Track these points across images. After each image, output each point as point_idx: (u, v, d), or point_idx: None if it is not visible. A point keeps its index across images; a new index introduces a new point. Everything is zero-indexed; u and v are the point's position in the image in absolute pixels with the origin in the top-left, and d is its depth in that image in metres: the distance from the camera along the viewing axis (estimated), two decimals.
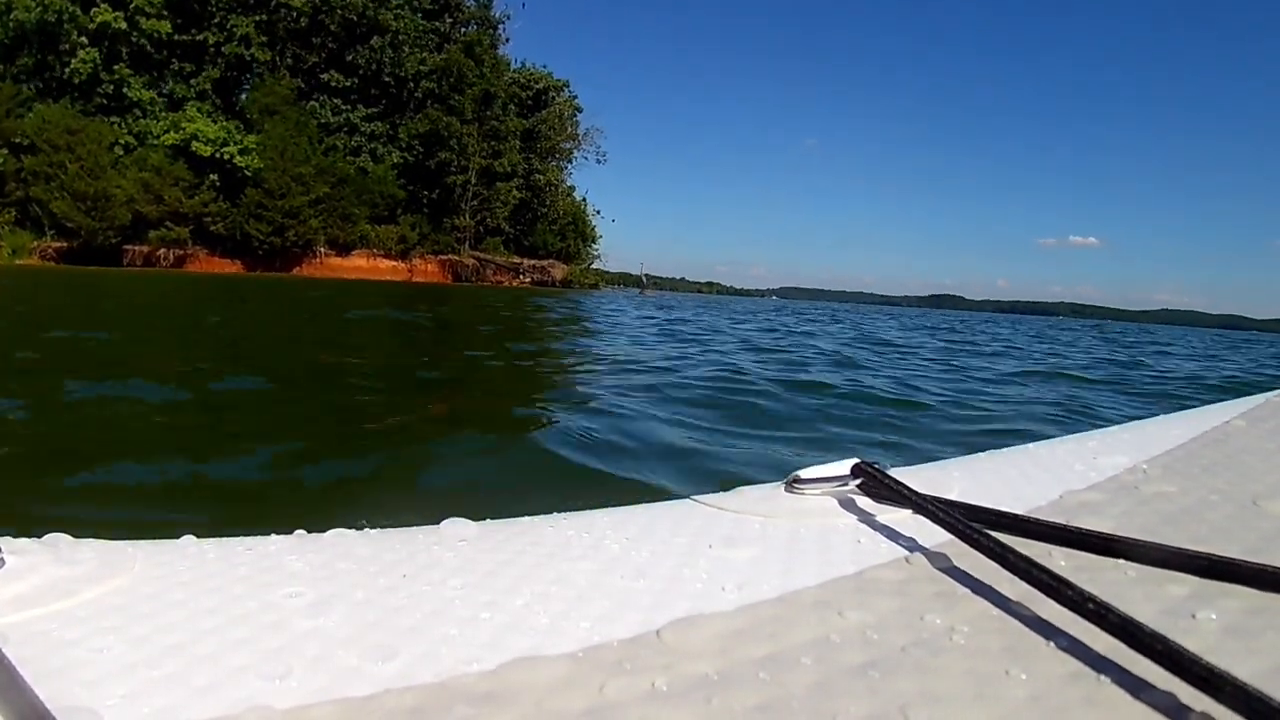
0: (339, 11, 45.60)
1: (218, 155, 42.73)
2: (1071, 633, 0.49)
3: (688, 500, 0.78)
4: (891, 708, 0.42)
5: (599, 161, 60.44)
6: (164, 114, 44.04)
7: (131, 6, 42.49)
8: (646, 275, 79.65)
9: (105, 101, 43.47)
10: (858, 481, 0.75)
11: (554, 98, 55.83)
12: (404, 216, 48.35)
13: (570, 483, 2.94)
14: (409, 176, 48.34)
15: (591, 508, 0.76)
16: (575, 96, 58.03)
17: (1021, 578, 0.53)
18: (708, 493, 0.79)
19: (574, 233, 56.70)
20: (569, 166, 57.81)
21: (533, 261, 52.75)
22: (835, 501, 0.74)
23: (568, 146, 56.35)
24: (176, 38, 43.86)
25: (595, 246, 63.10)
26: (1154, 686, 0.42)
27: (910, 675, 0.45)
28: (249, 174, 42.91)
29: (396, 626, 0.50)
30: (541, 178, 53.60)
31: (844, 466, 0.76)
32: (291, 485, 2.93)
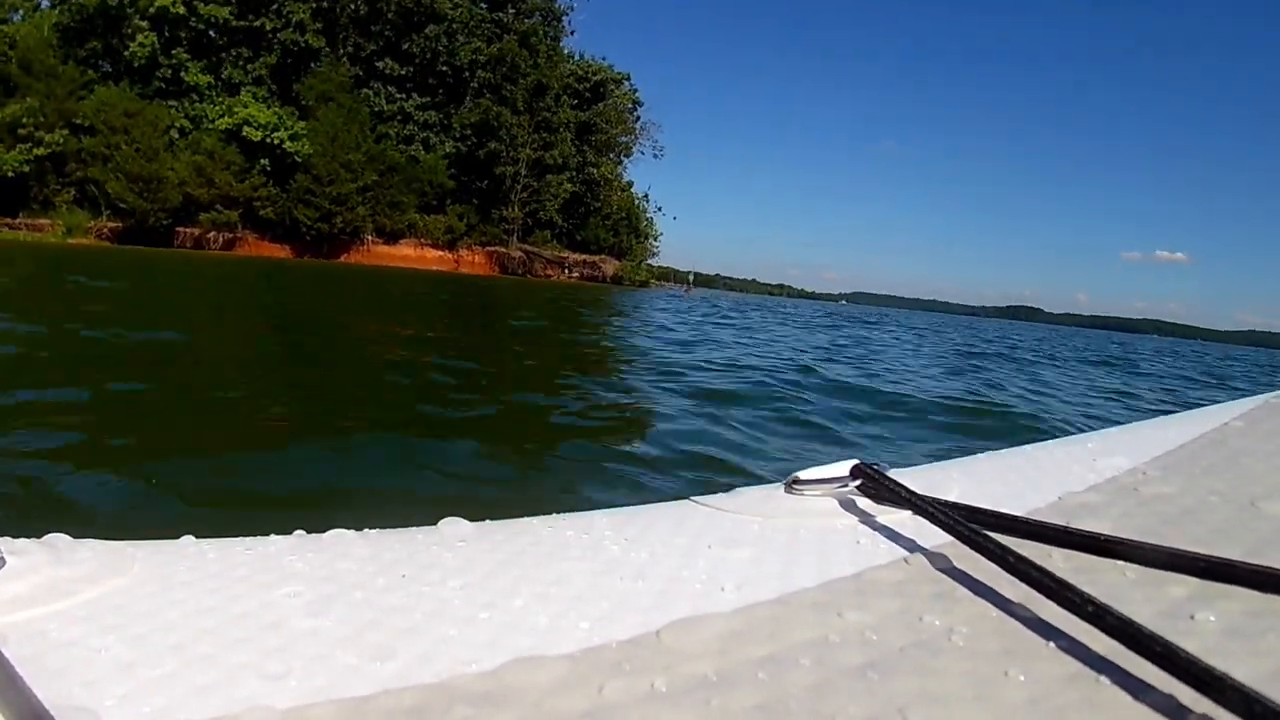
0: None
1: (268, 140, 43.01)
2: (1070, 634, 0.48)
3: (687, 501, 0.78)
4: (890, 708, 0.42)
5: (656, 156, 59.50)
6: (220, 99, 44.49)
7: None
8: (695, 274, 78.20)
9: (164, 85, 44.14)
10: (857, 483, 0.75)
11: (612, 90, 54.95)
12: (452, 207, 48.02)
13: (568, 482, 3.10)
14: (459, 167, 47.97)
15: (591, 508, 0.76)
16: (636, 90, 57.19)
17: (1020, 579, 0.53)
18: (707, 493, 0.80)
19: (627, 228, 55.66)
20: (626, 161, 57.02)
21: (582, 256, 51.94)
22: (834, 502, 0.74)
23: (625, 140, 55.50)
24: (235, 23, 44.28)
25: (656, 243, 62.33)
26: (1153, 688, 0.42)
27: (909, 676, 0.45)
28: (299, 159, 43.06)
29: (395, 627, 0.51)
30: (596, 171, 52.71)
31: (843, 467, 0.76)
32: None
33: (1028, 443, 1.03)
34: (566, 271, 50.60)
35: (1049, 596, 0.50)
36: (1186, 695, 0.41)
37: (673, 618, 0.53)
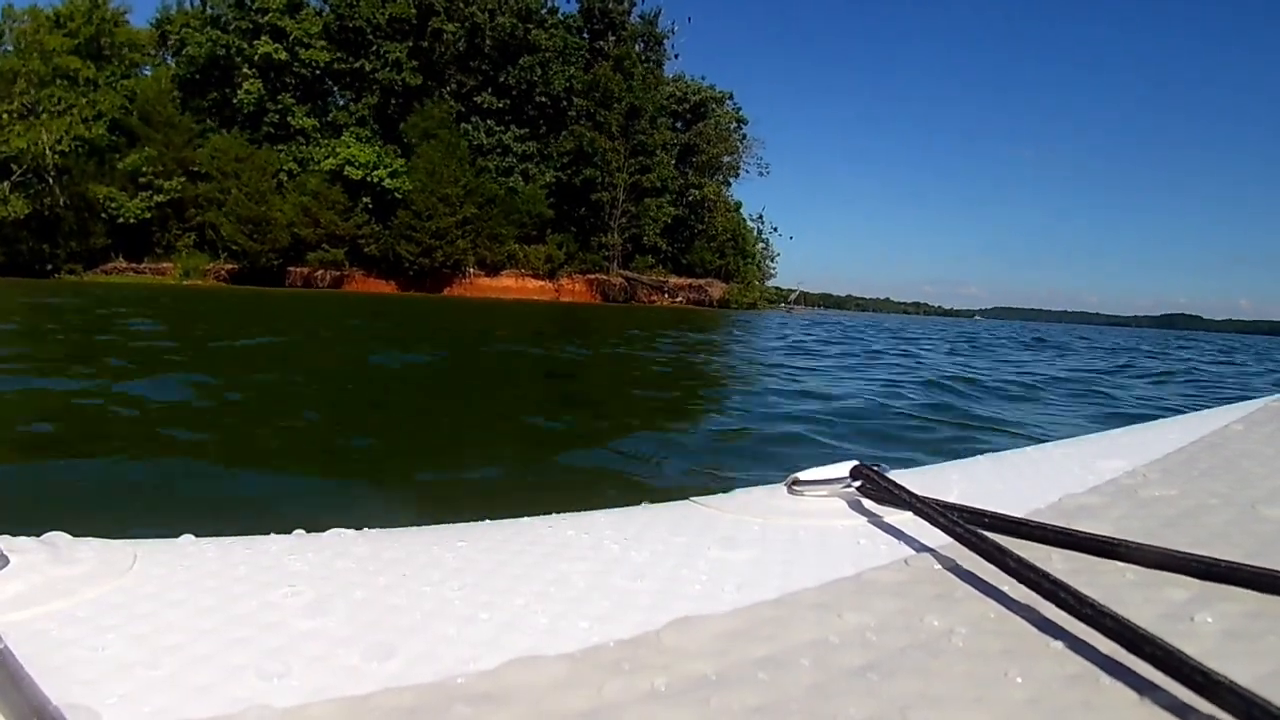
0: (489, 34, 45.58)
1: (369, 179, 43.77)
2: (1070, 635, 0.49)
3: (687, 501, 0.78)
4: (890, 709, 0.42)
5: (761, 174, 57.81)
6: (325, 140, 45.63)
7: (291, 38, 44.38)
8: (803, 292, 75.90)
9: (272, 130, 45.82)
10: (857, 484, 0.75)
11: (714, 110, 53.54)
12: (552, 236, 47.57)
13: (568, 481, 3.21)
14: (559, 195, 47.53)
15: (591, 508, 0.76)
16: (739, 108, 55.61)
17: (1020, 580, 0.53)
18: (707, 494, 0.80)
19: (734, 250, 53.90)
20: (733, 181, 55.41)
21: (687, 280, 50.48)
22: (834, 503, 0.75)
23: (729, 160, 53.89)
24: (336, 66, 45.42)
25: (773, 264, 60.48)
26: (1152, 690, 0.42)
27: (909, 677, 0.45)
28: (399, 196, 43.56)
29: (395, 626, 0.51)
30: (699, 193, 51.28)
31: (843, 468, 0.76)
32: None
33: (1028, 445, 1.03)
34: (668, 296, 49.22)
35: (1048, 598, 0.50)
36: (1186, 697, 0.41)
37: (673, 618, 0.52)
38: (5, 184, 41.05)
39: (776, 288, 65.34)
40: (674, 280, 50.14)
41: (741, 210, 56.11)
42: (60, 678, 0.42)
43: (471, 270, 45.89)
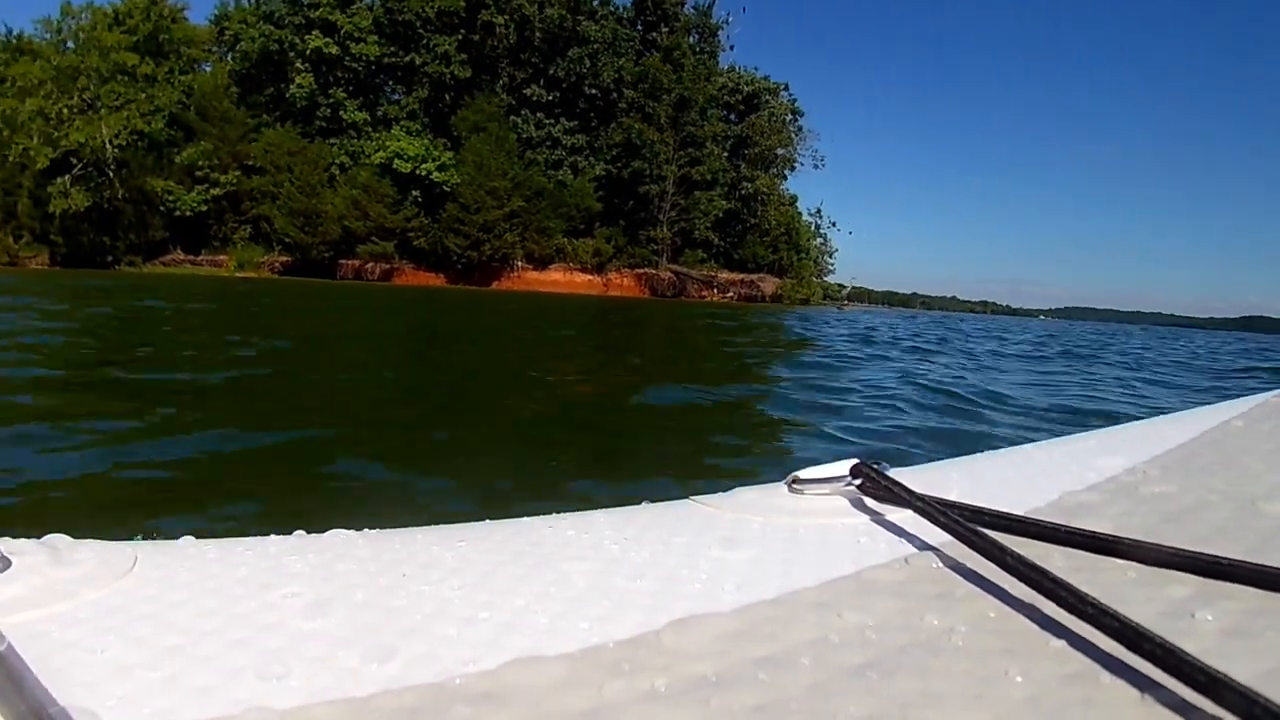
0: (538, 26, 45.30)
1: (417, 172, 43.87)
2: (1070, 634, 0.49)
3: (687, 501, 0.78)
4: (890, 708, 0.42)
5: (816, 166, 56.29)
6: (376, 134, 45.90)
7: (342, 32, 44.70)
8: (864, 289, 74.44)
9: (324, 124, 46.35)
10: (857, 482, 0.75)
11: (767, 101, 52.43)
12: (600, 230, 47.11)
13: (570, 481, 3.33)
14: (608, 189, 47.05)
15: (591, 508, 0.76)
16: (794, 99, 54.35)
17: (1020, 579, 0.53)
18: (707, 493, 0.80)
19: (787, 244, 52.75)
20: (789, 174, 54.18)
21: (739, 275, 49.55)
22: (835, 502, 0.75)
23: (783, 153, 52.69)
24: (386, 60, 45.62)
25: (831, 260, 59.20)
26: (1153, 688, 0.43)
27: (909, 676, 0.45)
28: (447, 189, 43.56)
29: (396, 627, 0.51)
30: (751, 186, 50.28)
31: (843, 467, 0.76)
32: None
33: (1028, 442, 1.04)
34: (718, 291, 48.35)
35: (1048, 596, 0.50)
36: (1186, 695, 0.41)
37: (673, 617, 0.52)
38: (66, 177, 42.39)
39: (838, 284, 64.04)
40: (725, 275, 49.24)
41: (797, 204, 54.93)
42: (61, 679, 0.42)
43: (519, 264, 45.71)
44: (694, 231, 47.96)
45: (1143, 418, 1.22)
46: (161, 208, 43.84)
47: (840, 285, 59.49)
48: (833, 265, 60.22)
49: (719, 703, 0.43)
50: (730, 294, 48.41)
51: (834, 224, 63.54)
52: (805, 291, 52.28)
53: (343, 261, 44.71)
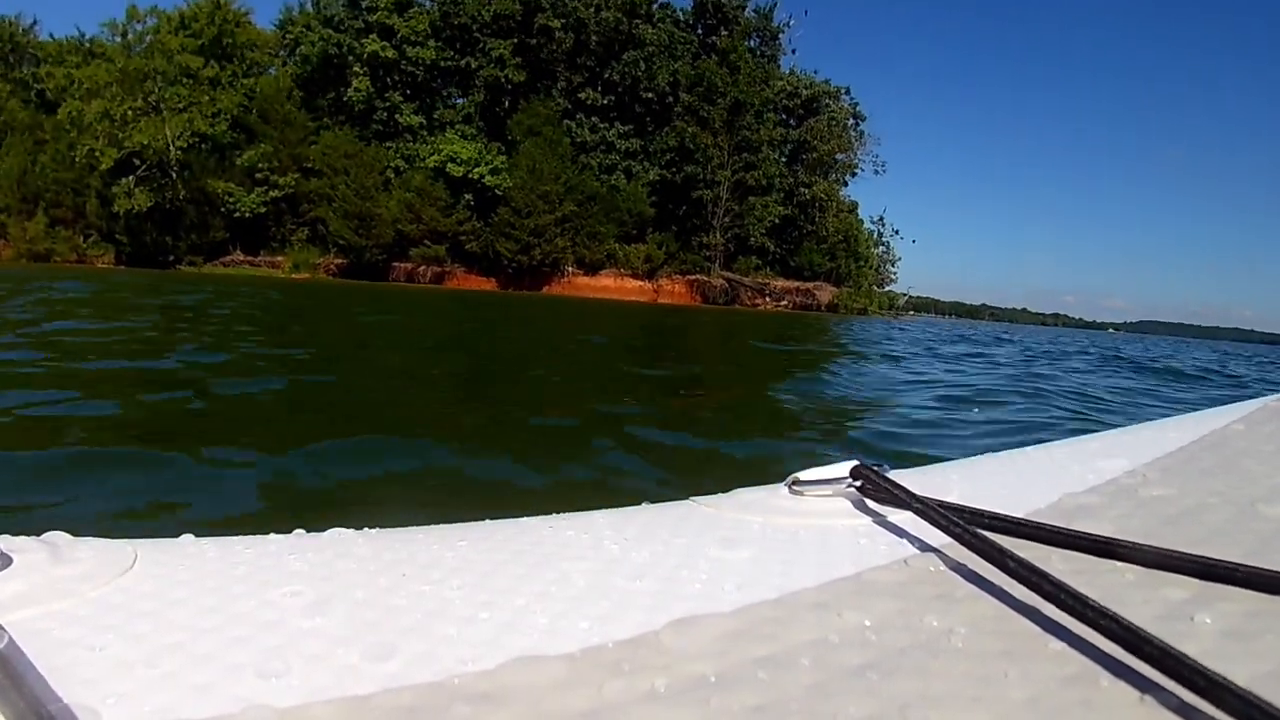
0: (594, 29, 44.98)
1: (470, 175, 43.89)
2: (1070, 636, 0.49)
3: (687, 501, 0.78)
4: (890, 709, 0.42)
5: (877, 172, 54.92)
6: (430, 137, 46.10)
7: (399, 36, 44.99)
8: (915, 297, 72.44)
9: (381, 127, 46.68)
10: (857, 483, 0.75)
11: (828, 105, 51.21)
12: (652, 235, 46.52)
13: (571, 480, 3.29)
14: (661, 194, 46.43)
15: (591, 508, 0.77)
16: (856, 103, 53.02)
17: (1020, 581, 0.53)
18: (707, 494, 0.80)
19: (845, 252, 51.43)
20: (849, 180, 52.89)
21: (794, 283, 48.44)
22: (835, 503, 0.75)
23: (843, 159, 51.41)
24: (442, 63, 45.77)
25: (894, 269, 57.67)
26: (1152, 690, 0.42)
27: (908, 677, 0.45)
28: (499, 193, 43.50)
29: (395, 626, 0.51)
30: (809, 192, 49.15)
31: (843, 468, 0.76)
32: None
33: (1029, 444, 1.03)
34: (771, 300, 47.33)
35: (1048, 598, 0.50)
36: (1186, 698, 0.41)
37: (673, 618, 0.53)
38: (130, 178, 43.45)
39: (898, 292, 62.45)
40: (779, 283, 48.11)
41: (858, 211, 53.55)
42: (61, 676, 0.42)
43: (570, 269, 45.39)
44: (749, 238, 47.02)
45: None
46: (222, 209, 44.68)
47: (897, 294, 57.75)
48: (895, 274, 58.66)
49: (719, 703, 0.43)
50: (784, 302, 47.32)
51: (896, 232, 61.71)
52: (863, 301, 50.91)
53: (395, 264, 44.99)
